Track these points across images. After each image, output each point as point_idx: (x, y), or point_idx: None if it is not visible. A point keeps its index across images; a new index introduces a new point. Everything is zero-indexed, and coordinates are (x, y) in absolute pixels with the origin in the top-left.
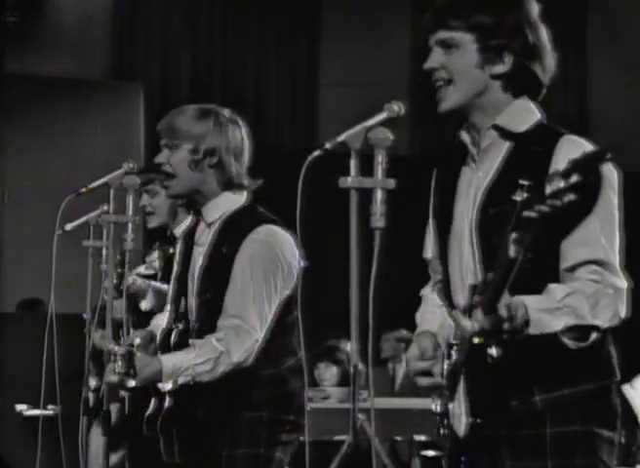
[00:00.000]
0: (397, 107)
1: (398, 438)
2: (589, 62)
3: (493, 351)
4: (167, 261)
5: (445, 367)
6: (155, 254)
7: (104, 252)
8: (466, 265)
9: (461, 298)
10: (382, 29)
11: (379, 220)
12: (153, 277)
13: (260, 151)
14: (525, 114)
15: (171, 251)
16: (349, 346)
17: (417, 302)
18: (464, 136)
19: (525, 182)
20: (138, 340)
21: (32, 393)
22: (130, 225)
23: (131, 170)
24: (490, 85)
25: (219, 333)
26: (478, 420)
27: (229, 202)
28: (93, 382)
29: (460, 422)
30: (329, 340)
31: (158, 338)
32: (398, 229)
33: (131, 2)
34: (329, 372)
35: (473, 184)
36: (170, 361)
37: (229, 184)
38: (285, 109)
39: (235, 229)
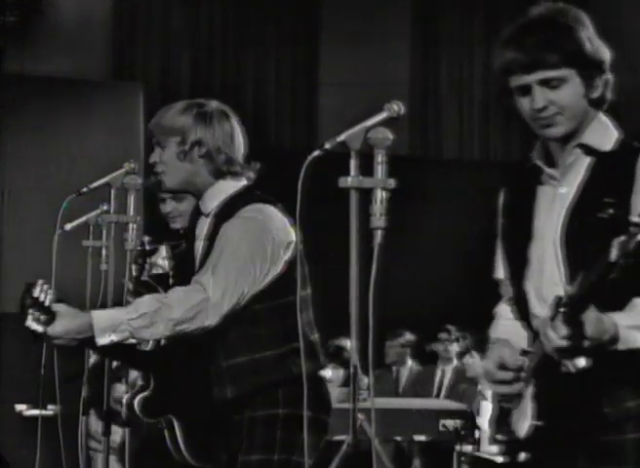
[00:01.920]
0: (397, 107)
1: (398, 438)
2: None
3: (581, 362)
4: (177, 259)
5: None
6: (163, 252)
7: (104, 251)
8: (548, 281)
9: (541, 314)
10: (382, 29)
11: (379, 220)
12: (163, 276)
13: (259, 151)
14: (607, 131)
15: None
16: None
17: (417, 303)
18: (539, 157)
19: (611, 200)
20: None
21: (32, 393)
22: (131, 225)
23: (132, 170)
24: (588, 108)
25: (169, 291)
26: (540, 423)
27: (224, 190)
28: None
29: (523, 424)
30: (334, 340)
31: None
32: (398, 229)
33: (130, 2)
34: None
35: (557, 201)
36: (102, 315)
37: (221, 173)
38: (285, 109)
39: (226, 213)
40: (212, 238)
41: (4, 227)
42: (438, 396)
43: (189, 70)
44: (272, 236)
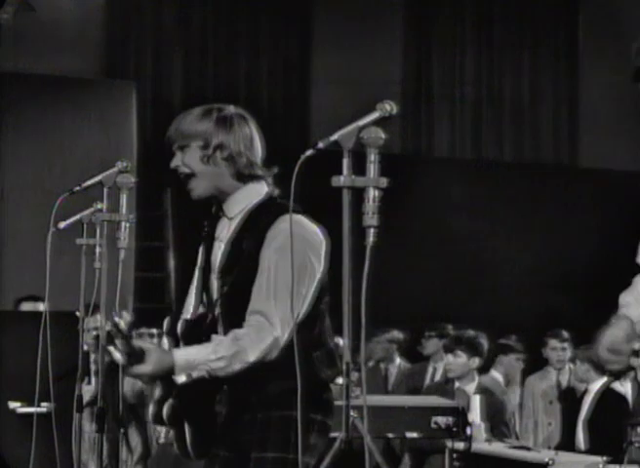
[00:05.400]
0: (389, 107)
1: (390, 435)
2: (580, 62)
3: None
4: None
5: None
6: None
7: (97, 250)
8: None
9: None
10: (375, 28)
11: (371, 219)
12: None
13: None
14: None
15: None
16: (341, 342)
17: (408, 302)
18: None
19: None
20: (121, 322)
21: (26, 390)
22: (123, 223)
23: (124, 168)
24: None
25: (240, 331)
26: None
27: (250, 195)
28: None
29: None
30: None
31: (179, 328)
32: (390, 227)
33: (123, 1)
34: None
35: None
36: (183, 355)
37: (243, 176)
38: (277, 107)
39: (257, 222)
40: (234, 243)
41: (0, 226)
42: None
43: (182, 68)
44: (313, 248)
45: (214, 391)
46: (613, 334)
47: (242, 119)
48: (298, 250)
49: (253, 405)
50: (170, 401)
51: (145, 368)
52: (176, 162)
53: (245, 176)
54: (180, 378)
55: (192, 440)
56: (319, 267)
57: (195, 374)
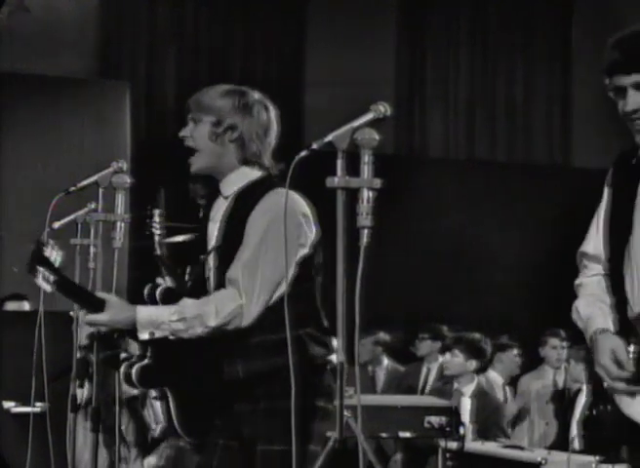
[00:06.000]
0: (383, 108)
1: (383, 435)
2: (574, 62)
3: None
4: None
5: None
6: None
7: (92, 250)
8: None
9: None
10: (369, 29)
11: (365, 219)
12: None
13: None
14: None
15: None
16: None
17: (401, 302)
18: None
19: None
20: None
21: (21, 390)
22: (119, 224)
23: (119, 169)
24: None
25: (210, 297)
26: None
27: (245, 176)
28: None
29: None
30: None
31: (158, 294)
32: (384, 227)
33: (117, 1)
34: None
35: None
36: (146, 312)
37: (248, 161)
38: None
39: (247, 198)
40: (228, 220)
41: None
42: (422, 393)
43: (175, 69)
44: (299, 219)
45: (193, 356)
46: (613, 342)
47: (263, 106)
48: (280, 218)
49: (250, 383)
50: (143, 362)
51: (102, 316)
52: (185, 132)
53: (250, 163)
54: (143, 335)
55: (177, 411)
56: (305, 242)
57: (158, 334)
